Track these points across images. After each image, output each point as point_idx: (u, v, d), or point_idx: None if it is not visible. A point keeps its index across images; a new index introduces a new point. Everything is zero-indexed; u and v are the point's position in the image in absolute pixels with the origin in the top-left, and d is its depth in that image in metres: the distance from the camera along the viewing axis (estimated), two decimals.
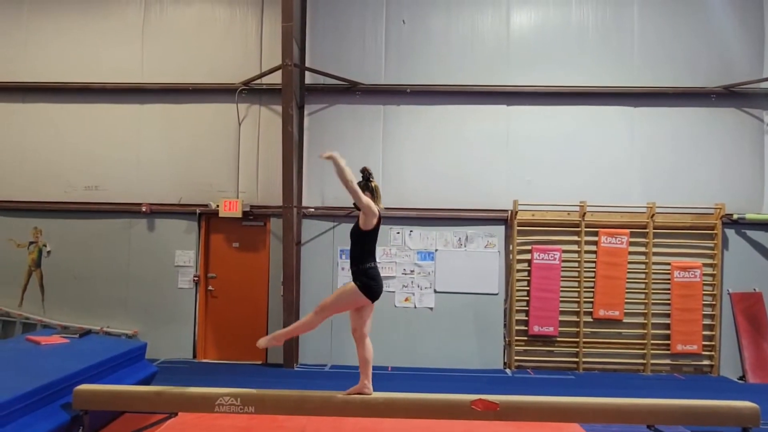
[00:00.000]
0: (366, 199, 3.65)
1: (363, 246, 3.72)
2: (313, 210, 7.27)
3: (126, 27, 7.51)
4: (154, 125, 7.50)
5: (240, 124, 7.43)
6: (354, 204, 3.70)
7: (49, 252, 7.52)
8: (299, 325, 3.87)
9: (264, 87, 7.32)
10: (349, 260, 3.80)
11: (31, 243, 7.54)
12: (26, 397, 3.50)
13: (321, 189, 7.36)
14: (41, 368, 3.98)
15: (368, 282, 3.65)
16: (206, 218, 7.44)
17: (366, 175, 3.82)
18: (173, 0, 7.52)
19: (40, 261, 7.52)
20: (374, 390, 3.71)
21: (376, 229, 3.72)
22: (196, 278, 7.36)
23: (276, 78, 6.92)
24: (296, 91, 7.08)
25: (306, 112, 7.41)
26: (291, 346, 6.92)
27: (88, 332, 5.46)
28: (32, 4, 7.61)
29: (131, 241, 7.42)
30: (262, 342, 3.84)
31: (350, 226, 7.73)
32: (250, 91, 7.38)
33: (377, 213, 3.68)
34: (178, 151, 7.45)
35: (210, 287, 7.44)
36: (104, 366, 4.39)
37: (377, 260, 3.78)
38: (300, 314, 7.17)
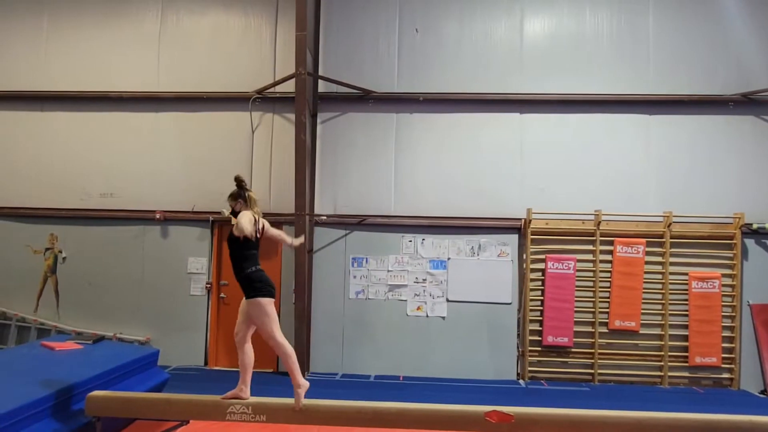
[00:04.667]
0: (246, 224, 3.61)
1: (240, 253, 3.81)
2: (325, 218, 7.28)
3: (143, 37, 7.63)
4: (168, 133, 7.58)
5: (253, 132, 7.48)
6: (232, 211, 3.84)
7: (64, 258, 7.60)
8: (285, 359, 3.84)
9: (277, 95, 7.38)
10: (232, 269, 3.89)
11: (47, 249, 7.63)
12: (40, 402, 3.52)
13: (333, 197, 7.37)
14: (55, 374, 4.00)
15: (258, 286, 3.75)
16: (219, 226, 7.48)
17: (238, 183, 3.87)
18: (189, 10, 7.64)
19: (56, 267, 7.61)
20: (386, 399, 3.68)
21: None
22: (208, 285, 7.39)
23: (289, 86, 6.97)
24: (309, 100, 7.11)
25: (319, 120, 7.43)
26: (302, 355, 6.89)
27: (102, 338, 5.49)
28: (52, 16, 7.77)
29: (145, 248, 7.48)
30: (302, 387, 3.75)
31: (363, 234, 7.77)
32: (263, 99, 7.44)
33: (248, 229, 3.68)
34: (191, 158, 7.51)
35: (222, 294, 7.46)
36: (117, 372, 4.41)
37: (259, 265, 3.87)
38: (311, 322, 7.16)
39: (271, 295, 3.79)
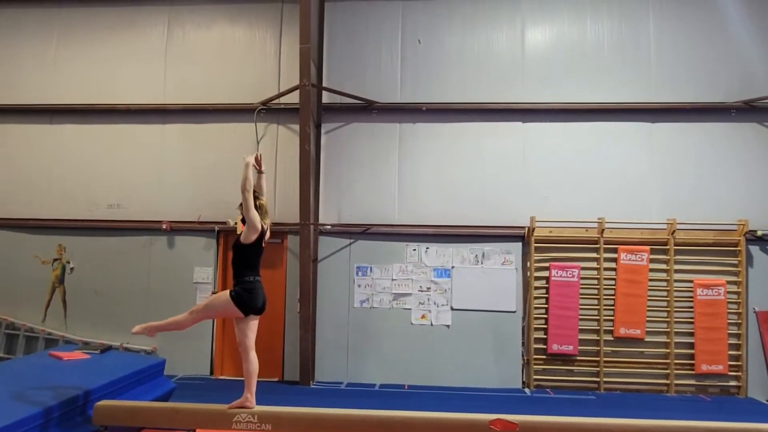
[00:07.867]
0: (254, 213, 3.77)
1: (243, 259, 3.84)
2: (329, 227, 7.32)
3: (149, 50, 7.75)
4: (175, 145, 7.68)
5: (258, 143, 7.55)
6: (242, 218, 3.83)
7: (72, 269, 7.68)
8: (172, 321, 3.93)
9: (282, 106, 7.46)
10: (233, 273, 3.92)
11: (55, 260, 7.71)
12: (48, 412, 3.56)
13: (338, 206, 7.42)
14: (63, 384, 4.04)
15: (241, 292, 3.75)
16: (224, 235, 7.54)
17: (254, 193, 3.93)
18: (195, 24, 7.76)
19: (64, 277, 7.68)
20: (391, 408, 3.70)
21: (257, 244, 3.85)
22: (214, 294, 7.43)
23: (294, 98, 7.05)
24: (313, 110, 7.19)
25: (323, 131, 7.51)
26: (307, 364, 6.91)
27: (109, 348, 5.54)
28: (61, 30, 7.91)
29: (151, 258, 7.54)
30: (136, 328, 3.91)
31: (367, 243, 7.80)
32: (268, 110, 7.52)
33: (259, 229, 3.80)
34: (197, 169, 7.60)
35: None
36: (124, 382, 4.45)
37: (259, 276, 3.89)
38: (316, 331, 7.18)
39: (245, 310, 3.79)
